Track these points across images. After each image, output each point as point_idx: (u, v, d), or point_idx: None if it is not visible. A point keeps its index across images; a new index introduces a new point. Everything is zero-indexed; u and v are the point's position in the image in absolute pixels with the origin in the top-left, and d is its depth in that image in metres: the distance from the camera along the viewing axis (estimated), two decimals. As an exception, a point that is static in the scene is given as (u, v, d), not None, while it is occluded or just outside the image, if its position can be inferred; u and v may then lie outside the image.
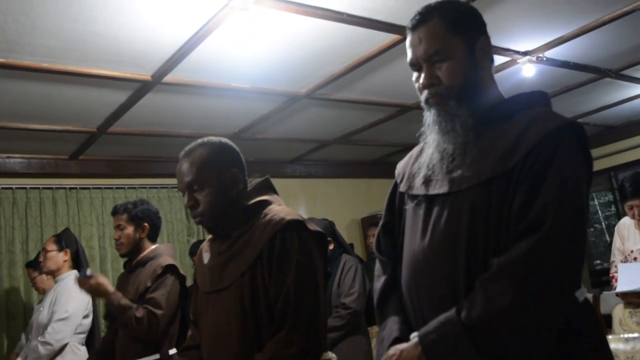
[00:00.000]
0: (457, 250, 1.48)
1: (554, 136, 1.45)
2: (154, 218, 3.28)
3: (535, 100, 1.62)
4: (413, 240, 1.62)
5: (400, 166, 1.84)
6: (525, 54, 4.26)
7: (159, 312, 2.94)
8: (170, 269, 3.09)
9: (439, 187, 1.57)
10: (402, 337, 1.55)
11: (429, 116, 1.61)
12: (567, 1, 3.50)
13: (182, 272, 3.16)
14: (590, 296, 5.06)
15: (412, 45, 1.60)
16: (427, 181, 1.62)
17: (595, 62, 4.69)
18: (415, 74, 1.63)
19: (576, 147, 1.48)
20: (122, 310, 2.92)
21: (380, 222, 1.86)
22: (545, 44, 4.14)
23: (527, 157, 1.44)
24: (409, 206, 1.69)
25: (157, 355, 2.95)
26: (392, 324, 1.62)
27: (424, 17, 1.59)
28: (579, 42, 4.13)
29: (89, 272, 3.03)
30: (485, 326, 1.35)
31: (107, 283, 3.02)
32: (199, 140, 2.05)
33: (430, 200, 1.60)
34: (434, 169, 1.61)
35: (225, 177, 1.98)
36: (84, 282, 3.01)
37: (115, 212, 3.26)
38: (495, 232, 1.44)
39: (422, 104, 1.63)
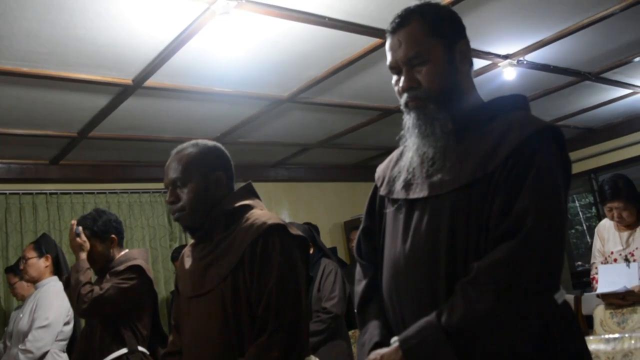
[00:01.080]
0: (438, 254, 1.48)
1: (533, 140, 1.45)
2: (117, 226, 3.19)
3: (514, 104, 1.62)
4: (394, 244, 1.62)
5: (380, 170, 1.84)
6: (505, 57, 4.28)
7: (99, 291, 2.87)
8: (135, 268, 3.02)
9: (419, 191, 1.57)
10: (383, 342, 1.55)
11: (408, 119, 1.61)
12: (546, 5, 3.53)
13: (149, 274, 3.07)
14: (571, 297, 5.10)
15: (392, 48, 1.61)
16: (407, 185, 1.62)
17: (575, 65, 4.74)
18: (394, 77, 1.63)
19: (555, 151, 1.49)
20: (75, 274, 2.93)
21: (361, 226, 1.85)
22: (526, 48, 4.17)
23: (507, 161, 1.44)
24: (389, 210, 1.69)
25: (125, 350, 2.91)
26: (373, 328, 1.62)
27: (403, 20, 1.59)
28: (559, 45, 4.16)
29: (80, 229, 3.03)
30: (466, 330, 1.36)
31: (86, 249, 3.03)
32: (193, 141, 2.09)
33: (410, 204, 1.60)
34: (414, 173, 1.61)
35: (210, 178, 2.01)
36: (72, 236, 3.01)
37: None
38: (476, 236, 1.45)
39: (402, 108, 1.62)
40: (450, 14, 1.65)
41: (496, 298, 1.34)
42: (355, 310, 1.76)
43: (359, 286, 1.76)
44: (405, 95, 1.59)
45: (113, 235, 3.14)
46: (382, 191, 1.75)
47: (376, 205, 1.79)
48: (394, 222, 1.65)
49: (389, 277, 1.61)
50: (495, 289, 1.35)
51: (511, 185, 1.42)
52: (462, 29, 1.64)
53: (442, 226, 1.49)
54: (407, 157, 1.65)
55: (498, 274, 1.36)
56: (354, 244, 1.89)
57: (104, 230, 3.11)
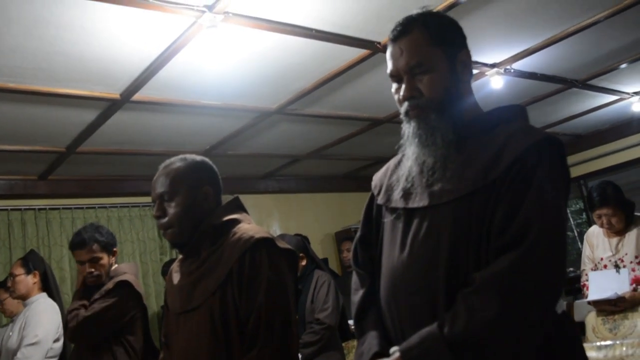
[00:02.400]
0: (438, 264, 1.47)
1: (534, 150, 1.45)
2: (114, 239, 3.21)
3: (513, 115, 1.62)
4: (392, 253, 1.60)
5: (376, 178, 1.83)
6: (493, 65, 4.30)
7: (85, 314, 2.89)
8: (122, 284, 3.01)
9: (419, 201, 1.56)
10: (382, 352, 1.54)
11: (408, 128, 1.60)
12: (533, 14, 3.54)
13: (138, 289, 3.07)
14: (564, 304, 5.11)
15: (393, 56, 1.60)
16: (406, 194, 1.61)
17: (562, 73, 4.76)
18: (395, 86, 1.62)
19: (556, 161, 1.49)
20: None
21: (357, 235, 1.84)
22: (513, 56, 4.18)
23: (508, 171, 1.44)
24: (388, 219, 1.67)
25: None
26: (372, 339, 1.61)
27: (405, 28, 1.58)
28: (546, 53, 4.18)
29: None
30: (468, 340, 1.34)
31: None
32: (180, 156, 2.08)
33: (409, 213, 1.59)
34: (413, 182, 1.60)
35: (197, 193, 2.00)
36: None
37: (82, 244, 3.07)
38: (476, 246, 1.44)
39: (402, 116, 1.61)
40: (452, 23, 1.65)
41: (500, 308, 1.33)
42: (353, 320, 1.74)
43: (356, 296, 1.74)
44: (406, 104, 1.58)
45: (115, 249, 3.17)
46: (380, 200, 1.73)
47: (373, 214, 1.78)
48: (392, 231, 1.64)
49: (388, 287, 1.60)
50: (499, 299, 1.34)
51: (513, 195, 1.41)
52: (463, 38, 1.64)
53: (443, 236, 1.48)
54: (406, 166, 1.64)
55: (502, 284, 1.35)
56: (348, 254, 1.88)
57: (111, 243, 3.13)
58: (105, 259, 3.10)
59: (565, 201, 1.49)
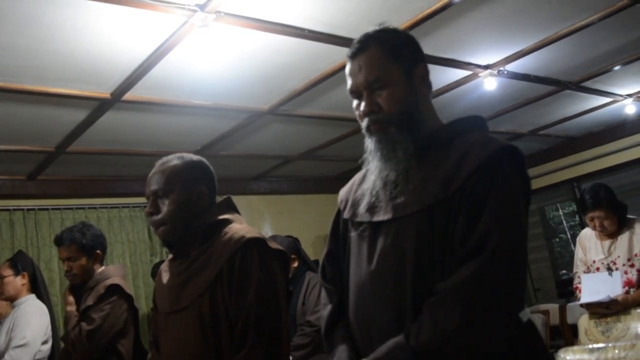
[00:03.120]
0: (404, 276, 1.49)
1: (492, 160, 1.47)
2: (102, 242, 3.20)
3: (472, 125, 1.65)
4: (359, 267, 1.62)
5: (342, 193, 1.87)
6: (486, 67, 4.30)
7: (88, 327, 2.89)
8: (114, 288, 3.03)
9: (383, 214, 1.58)
10: None
11: (370, 143, 1.63)
12: (526, 15, 3.54)
13: (128, 291, 3.09)
14: (556, 307, 5.11)
15: (352, 73, 1.63)
16: (371, 208, 1.63)
17: (555, 75, 4.76)
18: (355, 102, 1.65)
19: (514, 170, 1.51)
20: (67, 326, 2.98)
21: (325, 250, 1.86)
22: (506, 58, 4.18)
23: (467, 182, 1.46)
24: (354, 233, 1.69)
25: None
26: (341, 352, 1.63)
27: (363, 45, 1.62)
28: (539, 55, 4.18)
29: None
30: (434, 350, 1.37)
31: (73, 305, 3.05)
32: (178, 154, 2.09)
33: (375, 227, 1.61)
34: (378, 196, 1.62)
35: (192, 192, 2.00)
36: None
37: (60, 242, 3.12)
38: (441, 256, 1.46)
39: (363, 131, 1.65)
40: (408, 38, 1.68)
41: (463, 317, 1.35)
42: (322, 334, 1.76)
43: (325, 310, 1.77)
44: (366, 120, 1.61)
45: (99, 251, 3.15)
46: (346, 214, 1.76)
47: (340, 229, 1.81)
48: (358, 245, 1.66)
49: (355, 300, 1.62)
50: (461, 308, 1.36)
51: (473, 206, 1.44)
52: (420, 53, 1.67)
53: (407, 248, 1.50)
54: (370, 180, 1.67)
55: (464, 294, 1.37)
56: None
57: (92, 245, 3.12)
58: (83, 260, 3.10)
59: (526, 208, 1.52)
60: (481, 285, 1.37)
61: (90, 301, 2.99)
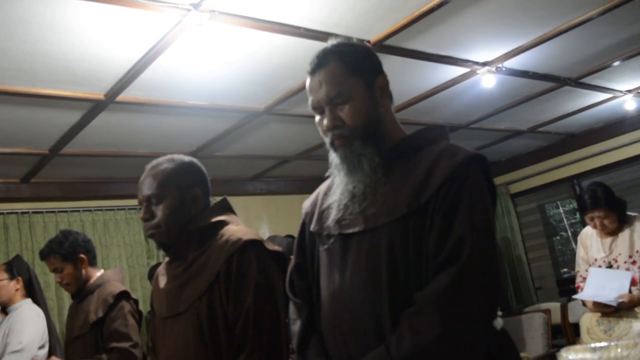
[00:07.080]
0: (380, 287, 1.49)
1: (461, 170, 1.50)
2: (85, 245, 3.18)
3: (437, 135, 1.67)
4: (331, 279, 1.62)
5: (307, 205, 1.86)
6: (484, 64, 4.27)
7: (127, 344, 2.87)
8: (122, 295, 3.03)
9: (354, 226, 1.59)
10: None
11: (335, 158, 1.65)
12: (524, 11, 3.52)
13: (133, 295, 3.11)
14: (558, 305, 5.09)
15: (313, 89, 1.64)
16: (340, 220, 1.63)
17: (554, 71, 4.74)
18: (317, 117, 1.66)
19: (481, 178, 1.53)
20: None
21: (292, 264, 1.85)
22: (504, 54, 4.16)
23: (439, 191, 1.48)
24: (323, 247, 1.68)
25: None
26: None
27: (322, 60, 1.63)
28: (537, 51, 4.16)
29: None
30: (416, 359, 1.37)
31: None
32: (168, 156, 2.06)
33: (345, 239, 1.61)
34: (346, 208, 1.62)
35: (186, 195, 1.97)
36: None
37: (42, 256, 3.14)
38: (416, 266, 1.47)
39: (328, 146, 1.66)
40: (366, 51, 1.69)
41: (442, 326, 1.36)
42: (295, 351, 1.75)
43: (295, 326, 1.75)
44: (330, 134, 1.62)
45: (82, 255, 3.13)
46: (313, 227, 1.76)
47: (306, 242, 1.80)
48: (329, 258, 1.65)
49: (330, 313, 1.61)
50: (440, 317, 1.37)
51: (445, 215, 1.46)
52: (379, 64, 1.68)
53: (382, 259, 1.50)
54: (337, 193, 1.67)
55: (442, 302, 1.39)
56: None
57: (71, 252, 3.09)
58: (69, 268, 3.10)
59: (492, 215, 1.54)
60: (459, 293, 1.39)
61: (100, 312, 2.96)
